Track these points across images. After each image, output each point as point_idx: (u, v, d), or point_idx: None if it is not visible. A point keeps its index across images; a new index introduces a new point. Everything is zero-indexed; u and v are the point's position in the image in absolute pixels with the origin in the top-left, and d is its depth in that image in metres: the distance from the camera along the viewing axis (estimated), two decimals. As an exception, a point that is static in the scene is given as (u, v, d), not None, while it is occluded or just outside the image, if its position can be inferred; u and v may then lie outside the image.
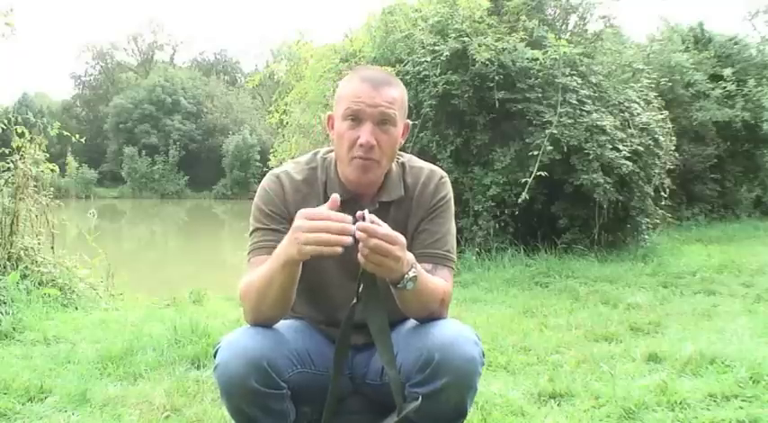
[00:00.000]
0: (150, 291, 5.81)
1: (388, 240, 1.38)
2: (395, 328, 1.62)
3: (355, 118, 1.58)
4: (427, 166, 1.75)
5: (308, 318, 1.76)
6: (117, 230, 22.05)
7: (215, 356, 1.54)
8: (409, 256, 1.46)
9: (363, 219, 1.39)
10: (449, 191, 1.72)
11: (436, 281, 1.58)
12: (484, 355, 1.57)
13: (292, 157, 7.70)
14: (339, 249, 1.35)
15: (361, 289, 1.49)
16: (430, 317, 1.58)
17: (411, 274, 1.46)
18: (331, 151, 1.71)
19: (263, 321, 1.57)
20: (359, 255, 1.39)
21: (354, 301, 1.51)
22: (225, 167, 42.50)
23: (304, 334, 1.69)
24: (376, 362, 1.68)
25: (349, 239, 1.35)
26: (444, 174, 1.75)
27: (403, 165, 1.73)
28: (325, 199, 1.64)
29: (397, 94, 1.62)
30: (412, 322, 1.62)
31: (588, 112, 6.84)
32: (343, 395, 1.67)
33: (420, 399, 1.49)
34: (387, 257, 1.39)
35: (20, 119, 5.31)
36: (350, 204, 1.64)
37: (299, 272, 1.48)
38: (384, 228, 1.39)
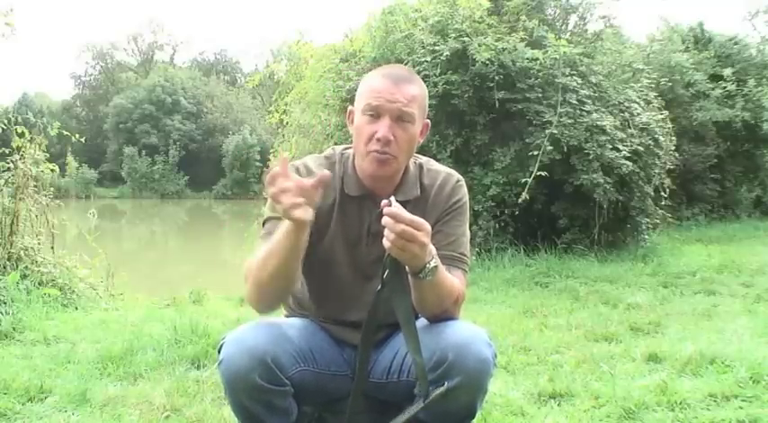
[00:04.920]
0: (150, 291, 5.81)
1: (415, 226, 1.40)
2: None
3: (374, 113, 1.60)
4: (444, 169, 1.77)
5: (313, 315, 1.76)
6: (117, 230, 22.04)
7: (219, 352, 1.55)
8: (431, 247, 1.47)
9: (390, 205, 1.41)
10: (464, 194, 1.74)
11: (453, 278, 1.59)
12: (496, 356, 1.57)
13: (292, 158, 7.72)
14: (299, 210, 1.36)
15: (386, 275, 1.50)
16: (443, 315, 1.59)
17: (432, 263, 1.47)
18: (350, 148, 1.73)
19: (262, 299, 1.56)
20: (384, 240, 1.41)
21: (379, 287, 1.52)
22: (225, 167, 42.49)
23: (307, 332, 1.69)
24: (381, 361, 1.69)
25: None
26: (461, 177, 1.76)
27: (421, 166, 1.74)
28: (342, 192, 1.68)
29: (416, 92, 1.63)
30: (424, 321, 1.62)
31: (588, 112, 6.84)
32: (343, 394, 1.68)
33: (446, 385, 1.49)
34: (412, 243, 1.40)
35: (20, 119, 5.31)
36: (366, 201, 1.67)
37: (304, 239, 1.47)
38: (410, 214, 1.41)
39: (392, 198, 1.44)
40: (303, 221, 1.40)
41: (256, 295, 1.57)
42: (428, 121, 1.71)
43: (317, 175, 1.40)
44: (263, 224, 1.66)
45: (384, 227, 1.41)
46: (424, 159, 1.77)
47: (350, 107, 1.71)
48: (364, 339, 1.58)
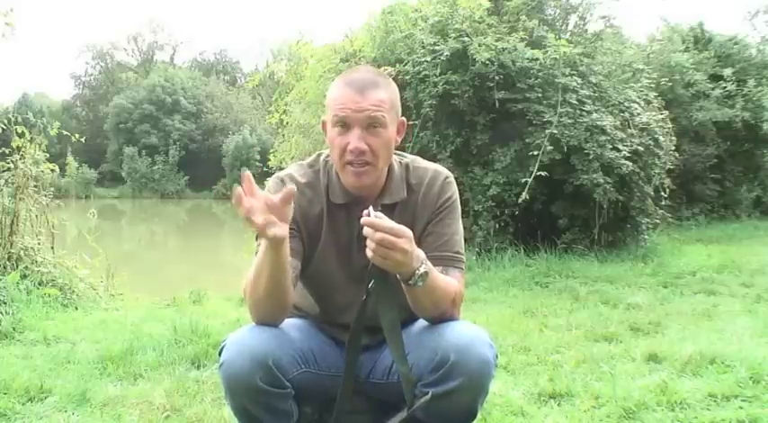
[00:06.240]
0: (150, 291, 5.80)
1: (394, 233, 1.38)
2: (405, 327, 1.61)
3: (343, 124, 1.57)
4: (432, 166, 1.73)
5: (311, 317, 1.76)
6: (117, 230, 22.04)
7: (220, 354, 1.54)
8: (419, 253, 1.46)
9: (369, 215, 1.40)
10: (454, 191, 1.70)
11: (448, 280, 1.57)
12: (497, 357, 1.57)
13: (292, 158, 7.71)
14: (266, 226, 1.35)
15: (370, 285, 1.49)
16: (441, 317, 1.58)
17: (422, 270, 1.45)
18: None
19: (262, 315, 1.56)
20: (366, 249, 1.40)
21: (364, 296, 1.52)
22: (225, 167, 42.50)
23: (308, 333, 1.69)
24: (382, 361, 1.68)
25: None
26: (449, 174, 1.73)
27: (407, 166, 1.71)
28: (329, 202, 1.66)
29: (384, 96, 1.59)
30: (424, 322, 1.62)
31: (588, 112, 6.84)
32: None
33: (430, 393, 1.49)
34: (393, 250, 1.39)
35: (20, 119, 5.32)
36: (352, 207, 1.65)
37: (285, 255, 1.46)
38: (389, 221, 1.39)
39: (371, 208, 1.42)
40: (279, 239, 1.39)
41: (256, 313, 1.56)
42: (403, 118, 1.67)
43: (283, 190, 1.36)
44: (256, 237, 1.64)
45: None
46: (410, 158, 1.74)
47: (322, 117, 1.69)
48: (351, 344, 1.58)
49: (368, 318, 1.55)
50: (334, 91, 1.62)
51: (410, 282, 1.46)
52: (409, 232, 1.42)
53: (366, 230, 1.38)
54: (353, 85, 1.58)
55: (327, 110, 1.63)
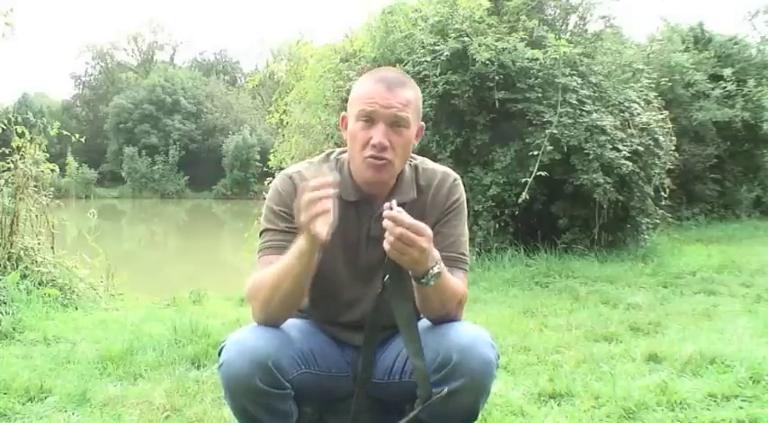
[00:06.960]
0: (150, 291, 5.81)
1: (415, 230, 1.40)
2: None
3: (369, 119, 1.59)
4: (440, 168, 1.75)
5: (312, 317, 1.76)
6: (117, 230, 22.04)
7: (220, 354, 1.54)
8: (435, 253, 1.47)
9: (391, 208, 1.41)
10: (462, 193, 1.73)
11: (456, 281, 1.59)
12: (499, 358, 1.57)
13: (292, 158, 7.71)
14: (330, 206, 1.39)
15: (386, 278, 1.50)
16: (446, 317, 1.59)
17: (435, 270, 1.47)
18: (344, 152, 1.72)
19: (271, 318, 1.56)
20: (384, 242, 1.41)
21: (380, 290, 1.52)
22: (225, 167, 42.52)
23: (309, 334, 1.69)
24: (383, 361, 1.68)
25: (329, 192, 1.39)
26: (457, 176, 1.75)
27: (416, 167, 1.73)
28: (339, 198, 1.66)
29: (411, 96, 1.62)
30: (426, 322, 1.62)
31: (588, 112, 6.84)
32: (344, 395, 1.68)
33: (446, 389, 1.49)
34: (412, 247, 1.40)
35: (20, 119, 5.32)
36: (363, 205, 1.66)
37: (315, 264, 1.48)
38: (411, 217, 1.41)
39: (393, 202, 1.43)
40: (321, 239, 1.40)
41: (264, 315, 1.56)
42: (422, 123, 1.70)
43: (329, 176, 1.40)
44: (261, 234, 1.65)
45: (384, 230, 1.41)
46: (419, 160, 1.76)
47: (342, 113, 1.70)
48: (367, 341, 1.59)
49: (385, 309, 1.55)
50: (362, 86, 1.64)
51: (422, 280, 1.47)
52: (429, 231, 1.43)
53: (386, 223, 1.40)
54: (384, 82, 1.60)
55: (352, 105, 1.64)
